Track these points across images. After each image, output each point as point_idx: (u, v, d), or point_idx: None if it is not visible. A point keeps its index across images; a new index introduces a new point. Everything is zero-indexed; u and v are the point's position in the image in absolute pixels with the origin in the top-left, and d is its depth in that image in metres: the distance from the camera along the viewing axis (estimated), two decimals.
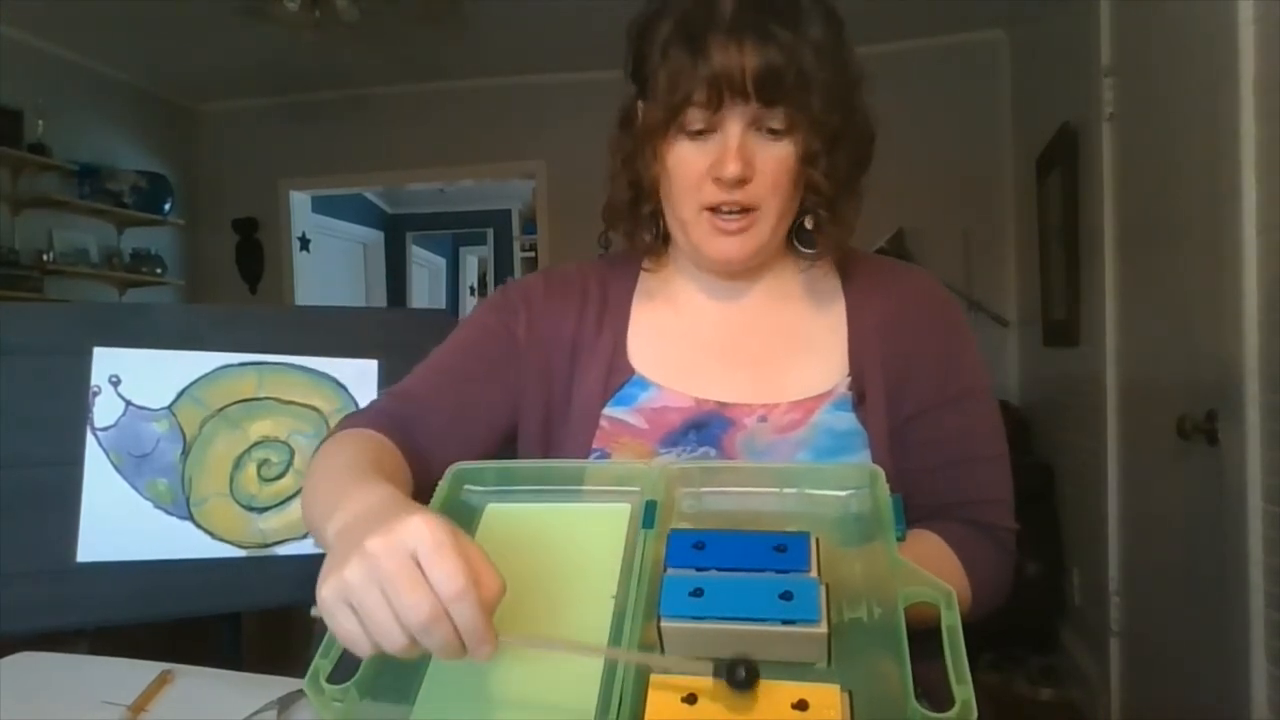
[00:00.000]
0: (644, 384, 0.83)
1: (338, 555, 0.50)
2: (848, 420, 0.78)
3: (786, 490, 0.61)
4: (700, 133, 0.74)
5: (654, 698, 0.49)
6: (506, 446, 0.86)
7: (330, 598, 0.49)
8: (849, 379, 0.80)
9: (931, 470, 0.79)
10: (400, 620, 0.47)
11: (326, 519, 0.57)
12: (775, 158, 0.74)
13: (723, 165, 0.72)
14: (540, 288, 0.89)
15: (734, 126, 0.73)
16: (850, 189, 0.79)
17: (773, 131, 0.74)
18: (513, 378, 0.85)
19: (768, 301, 0.85)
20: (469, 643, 0.48)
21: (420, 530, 0.48)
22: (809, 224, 0.80)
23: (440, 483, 0.67)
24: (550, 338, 0.86)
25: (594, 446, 0.80)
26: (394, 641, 0.47)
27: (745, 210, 0.75)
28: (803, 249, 0.82)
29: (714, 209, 0.76)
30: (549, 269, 0.93)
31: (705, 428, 0.79)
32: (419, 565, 0.47)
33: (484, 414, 0.84)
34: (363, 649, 0.49)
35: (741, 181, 0.73)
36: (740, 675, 0.48)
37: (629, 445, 0.80)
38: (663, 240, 0.85)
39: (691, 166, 0.75)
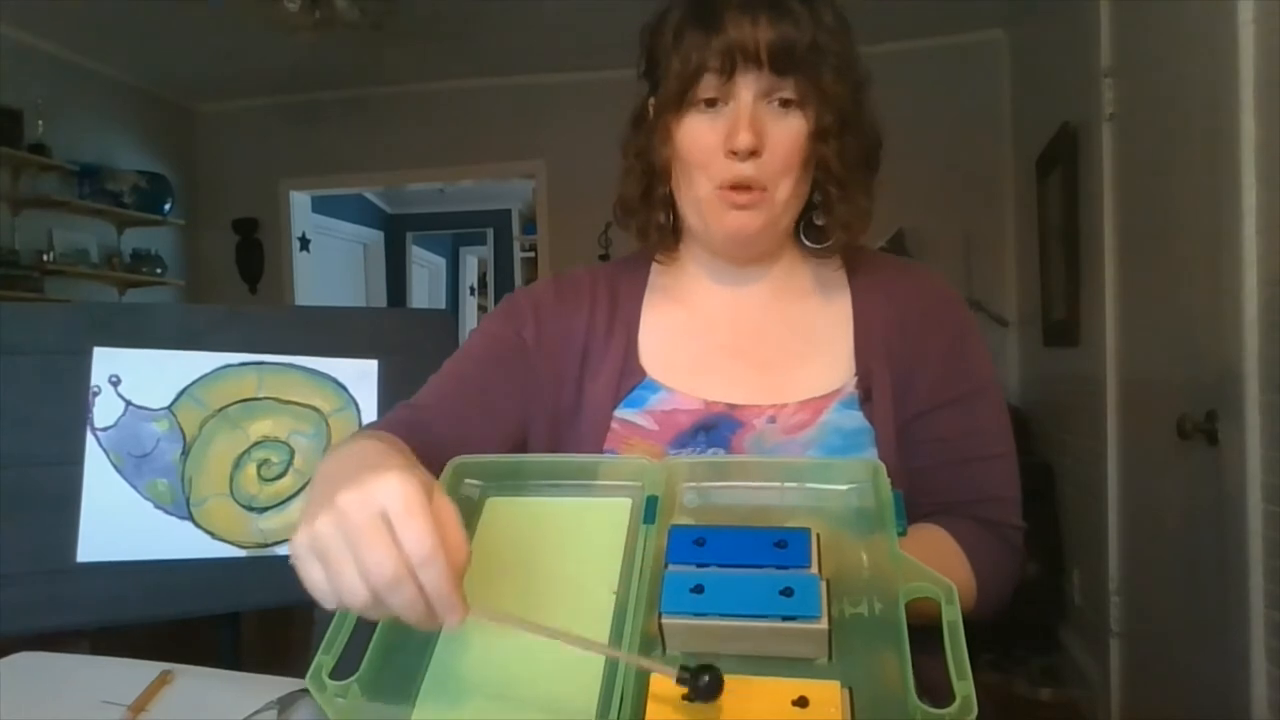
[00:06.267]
0: (655, 387, 0.83)
1: (314, 503, 0.49)
2: (856, 418, 0.78)
3: (788, 485, 0.61)
4: (712, 102, 0.75)
5: (655, 697, 0.49)
6: (517, 450, 0.86)
7: (301, 547, 0.49)
8: (856, 377, 0.80)
9: (938, 468, 0.80)
10: (365, 578, 0.46)
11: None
12: (787, 132, 0.74)
13: (735, 137, 0.73)
14: (550, 293, 0.90)
15: (746, 95, 0.74)
16: (861, 175, 0.79)
17: (785, 103, 0.74)
18: (523, 383, 0.85)
19: (776, 298, 0.86)
20: (437, 608, 0.47)
21: (393, 488, 0.47)
22: (818, 220, 0.81)
23: (441, 476, 0.67)
24: (560, 342, 0.87)
25: (605, 448, 0.81)
26: (357, 598, 0.47)
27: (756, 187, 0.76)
28: (811, 244, 0.83)
29: (726, 187, 0.76)
30: (558, 275, 0.93)
31: (714, 429, 0.80)
32: (390, 524, 0.46)
33: (496, 420, 0.84)
34: (329, 602, 0.49)
35: (753, 153, 0.73)
36: (703, 683, 0.46)
37: (639, 446, 0.80)
38: (674, 233, 0.86)
39: (703, 141, 0.75)
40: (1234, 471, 1.40)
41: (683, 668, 0.47)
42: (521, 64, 4.10)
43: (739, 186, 0.75)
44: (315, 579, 0.48)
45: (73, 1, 3.23)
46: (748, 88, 0.73)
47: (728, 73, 0.72)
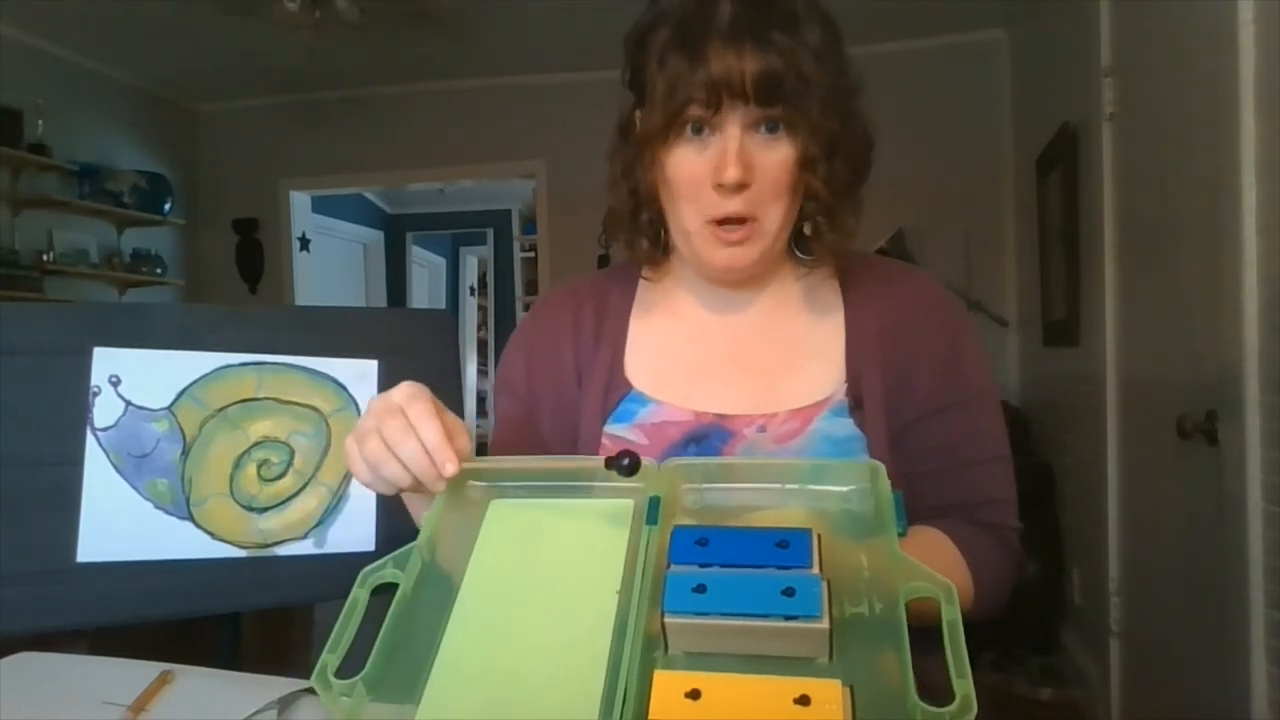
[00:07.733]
0: (642, 399, 0.83)
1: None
2: (846, 426, 0.78)
3: (789, 486, 0.61)
4: (699, 132, 0.74)
5: (658, 694, 0.49)
6: None
7: (349, 439, 0.67)
8: (845, 385, 0.80)
9: (935, 473, 0.80)
10: (385, 442, 0.63)
11: None
12: (774, 161, 0.74)
13: (722, 170, 0.72)
14: (531, 327, 0.92)
15: (733, 128, 0.73)
16: (849, 196, 0.78)
17: (771, 134, 0.73)
18: (544, 438, 0.88)
19: (768, 311, 0.85)
20: (436, 459, 0.63)
21: (404, 388, 0.66)
22: (808, 230, 0.80)
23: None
24: (552, 371, 0.87)
25: None
26: (375, 454, 0.64)
27: (747, 220, 0.75)
28: (802, 256, 0.82)
29: (716, 222, 0.75)
30: (539, 301, 0.94)
31: (705, 440, 0.79)
32: (402, 410, 0.64)
33: None
34: (361, 474, 0.66)
35: (741, 186, 0.73)
36: (625, 463, 0.61)
37: None
38: (663, 249, 0.85)
39: (691, 172, 0.75)
40: (1234, 471, 1.40)
41: (607, 459, 0.61)
42: (521, 64, 4.10)
43: (730, 222, 0.75)
44: (353, 455, 0.66)
45: (73, 1, 3.23)
46: (734, 121, 0.72)
47: (714, 107, 0.72)
